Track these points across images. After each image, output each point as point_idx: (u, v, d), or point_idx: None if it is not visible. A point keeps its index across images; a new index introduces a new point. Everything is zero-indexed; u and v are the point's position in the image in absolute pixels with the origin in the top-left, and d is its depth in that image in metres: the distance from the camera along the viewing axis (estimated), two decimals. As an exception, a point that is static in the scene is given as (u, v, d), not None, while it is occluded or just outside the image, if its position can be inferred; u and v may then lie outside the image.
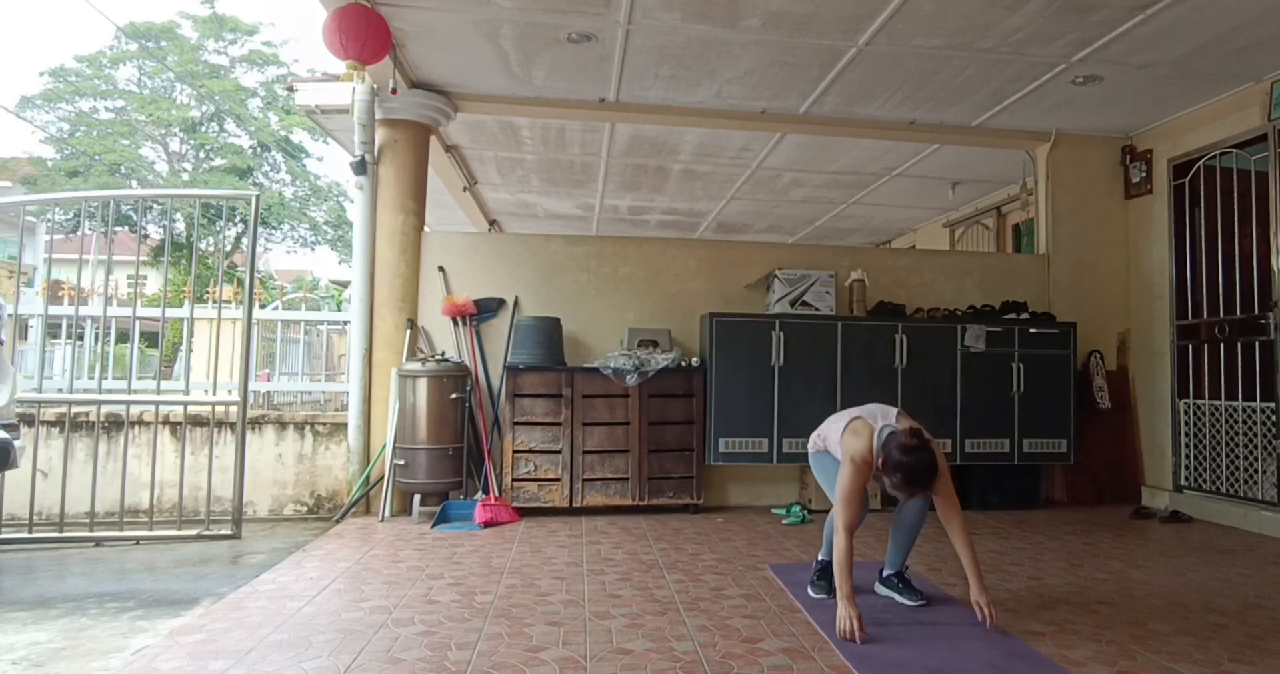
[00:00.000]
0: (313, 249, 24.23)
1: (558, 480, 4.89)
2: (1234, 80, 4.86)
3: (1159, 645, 2.69)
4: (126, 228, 16.51)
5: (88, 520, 4.31)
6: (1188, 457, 5.33)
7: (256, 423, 4.99)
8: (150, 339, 15.34)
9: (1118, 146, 5.92)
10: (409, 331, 5.12)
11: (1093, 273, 5.86)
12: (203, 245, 19.34)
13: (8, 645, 2.60)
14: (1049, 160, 5.88)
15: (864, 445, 2.86)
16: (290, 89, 6.01)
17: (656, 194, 8.08)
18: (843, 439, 2.97)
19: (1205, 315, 5.23)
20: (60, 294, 5.82)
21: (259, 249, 11.20)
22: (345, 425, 5.04)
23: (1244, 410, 4.89)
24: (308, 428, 5.07)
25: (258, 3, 48.13)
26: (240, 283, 5.04)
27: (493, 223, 9.34)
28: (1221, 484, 5.06)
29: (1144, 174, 5.74)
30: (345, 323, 6.20)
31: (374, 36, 3.87)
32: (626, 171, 7.29)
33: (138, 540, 4.22)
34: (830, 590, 3.12)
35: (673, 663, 2.45)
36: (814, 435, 3.31)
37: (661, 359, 4.97)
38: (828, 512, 4.98)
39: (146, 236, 19.44)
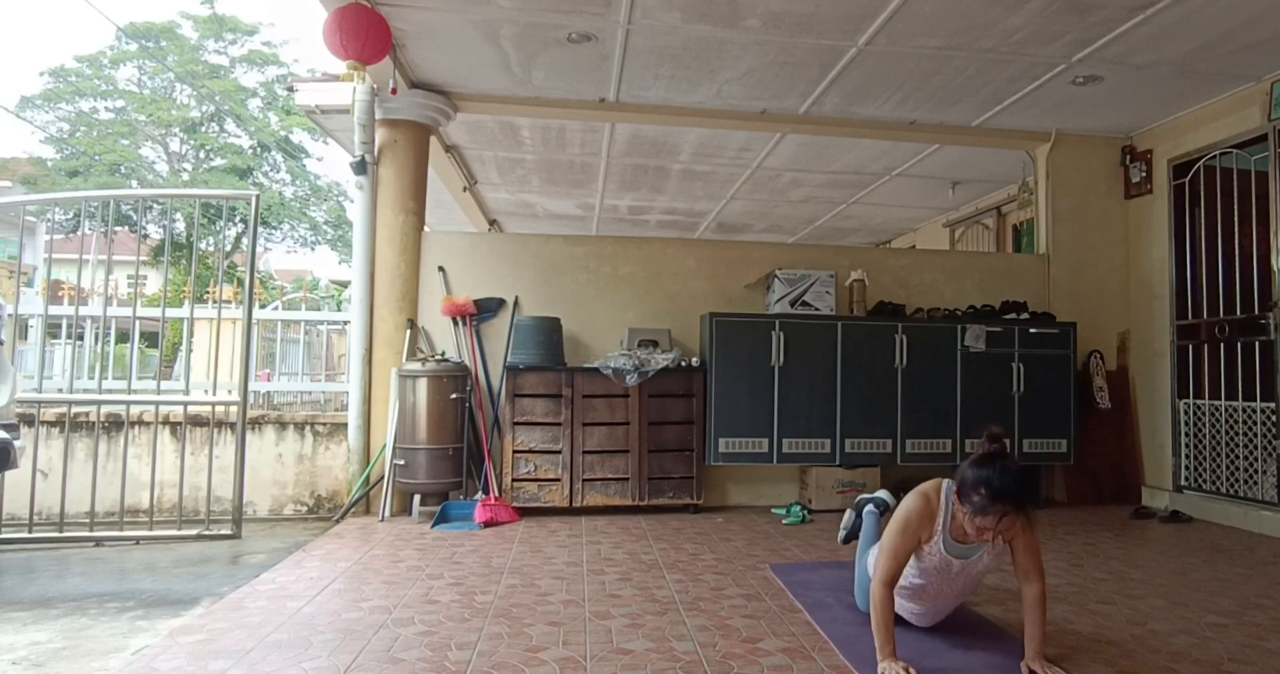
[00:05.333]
0: (313, 249, 24.27)
1: (558, 480, 4.89)
2: (1234, 80, 4.86)
3: (1159, 645, 2.69)
4: (126, 228, 16.52)
5: (88, 520, 4.31)
6: (1188, 457, 5.33)
7: (256, 423, 4.99)
8: (150, 339, 15.34)
9: (1118, 146, 5.92)
10: (409, 332, 5.12)
11: (1093, 273, 5.86)
12: (203, 245, 19.34)
13: (8, 645, 2.60)
14: (1049, 160, 5.88)
15: (930, 485, 2.53)
16: (290, 89, 6.01)
17: (656, 194, 8.08)
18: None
19: (1205, 315, 5.23)
20: (60, 294, 5.82)
21: (259, 249, 11.19)
22: (345, 425, 5.04)
23: (1244, 410, 4.89)
24: (308, 428, 5.07)
25: (258, 3, 48.13)
26: (240, 283, 5.04)
27: (493, 223, 9.34)
28: (1221, 484, 5.06)
29: (1144, 174, 5.74)
30: (345, 323, 6.19)
31: (374, 36, 3.88)
32: (626, 171, 7.29)
33: (138, 540, 4.22)
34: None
35: (673, 663, 2.45)
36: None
37: (661, 359, 4.97)
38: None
39: (146, 236, 19.45)
